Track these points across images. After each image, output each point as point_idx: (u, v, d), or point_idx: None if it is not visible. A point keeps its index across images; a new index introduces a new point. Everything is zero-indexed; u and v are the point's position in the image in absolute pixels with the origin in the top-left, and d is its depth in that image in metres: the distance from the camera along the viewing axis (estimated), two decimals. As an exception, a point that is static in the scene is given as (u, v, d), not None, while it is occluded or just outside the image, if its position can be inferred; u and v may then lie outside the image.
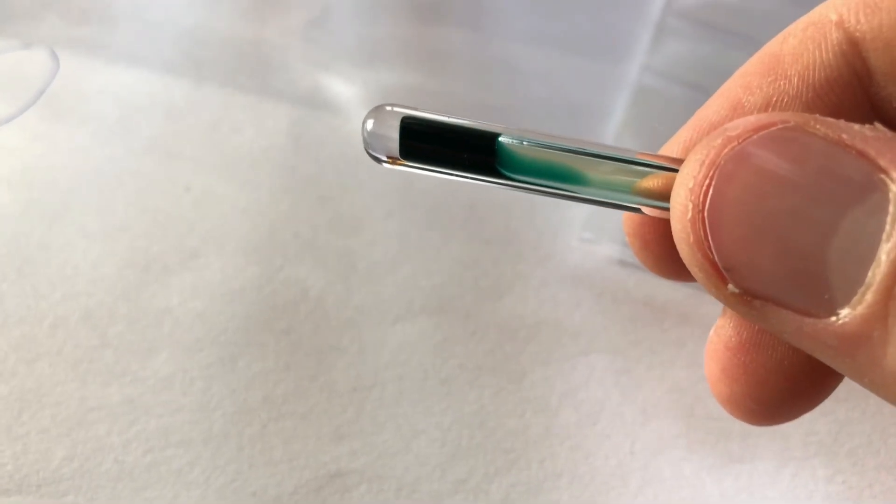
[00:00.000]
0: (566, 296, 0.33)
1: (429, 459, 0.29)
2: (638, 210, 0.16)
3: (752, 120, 0.14)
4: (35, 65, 0.37)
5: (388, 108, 0.16)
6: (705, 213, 0.14)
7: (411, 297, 0.32)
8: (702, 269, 0.14)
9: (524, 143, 0.16)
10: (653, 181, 0.15)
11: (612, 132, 0.37)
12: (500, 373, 0.31)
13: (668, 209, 0.15)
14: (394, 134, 0.16)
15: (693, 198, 0.14)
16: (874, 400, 0.31)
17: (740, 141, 0.13)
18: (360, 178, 0.35)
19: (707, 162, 0.14)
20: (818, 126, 0.13)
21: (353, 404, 0.30)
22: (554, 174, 0.16)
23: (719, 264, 0.14)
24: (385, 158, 0.16)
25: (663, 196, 0.15)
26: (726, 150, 0.13)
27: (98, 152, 0.36)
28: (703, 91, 0.38)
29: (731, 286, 0.14)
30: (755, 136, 0.13)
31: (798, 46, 0.16)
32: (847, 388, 0.31)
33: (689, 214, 0.14)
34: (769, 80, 0.16)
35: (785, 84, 0.16)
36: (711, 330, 0.18)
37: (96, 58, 0.39)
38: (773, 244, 0.13)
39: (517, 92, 0.38)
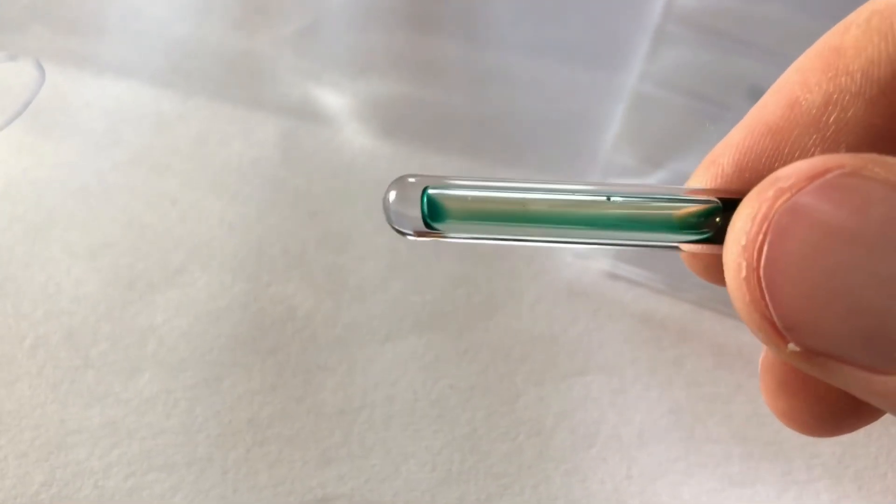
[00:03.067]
0: (561, 313, 0.32)
1: (419, 484, 0.28)
2: (675, 248, 0.15)
3: (804, 167, 0.13)
4: (20, 76, 0.37)
5: (411, 179, 0.15)
6: (761, 272, 0.13)
7: (402, 314, 0.32)
8: (760, 329, 0.13)
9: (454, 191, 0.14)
10: (691, 212, 0.14)
11: (610, 142, 0.36)
12: (493, 393, 0.30)
13: (711, 244, 0.14)
14: (416, 210, 0.15)
15: (747, 255, 0.13)
16: (880, 421, 0.30)
17: (794, 192, 0.12)
18: (350, 192, 0.34)
19: (759, 217, 0.13)
20: (877, 169, 0.12)
21: (340, 427, 0.29)
22: (510, 218, 0.15)
23: (778, 324, 0.13)
24: (412, 233, 0.15)
25: (704, 230, 0.14)
26: (779, 202, 0.13)
27: (84, 166, 0.35)
28: (703, 99, 0.37)
29: (791, 345, 0.13)
30: (809, 186, 0.12)
31: (861, 38, 0.15)
32: (852, 409, 0.30)
33: (744, 273, 0.13)
34: (829, 76, 0.15)
35: (847, 81, 0.15)
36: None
37: (83, 69, 0.38)
38: (837, 303, 0.12)
39: (512, 102, 0.38)
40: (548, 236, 0.15)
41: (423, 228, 0.15)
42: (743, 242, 0.13)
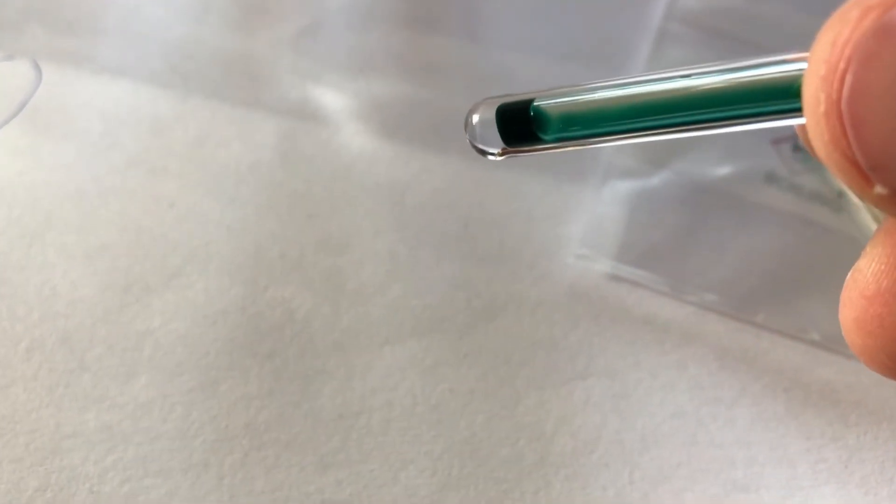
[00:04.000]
0: (562, 316, 0.31)
1: (418, 490, 0.28)
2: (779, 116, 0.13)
3: None
4: (17, 77, 0.36)
5: (489, 100, 0.16)
6: (843, 106, 0.11)
7: (401, 318, 0.31)
8: (841, 170, 0.12)
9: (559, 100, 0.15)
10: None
11: (612, 144, 0.36)
12: (493, 398, 0.30)
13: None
14: (493, 126, 0.16)
15: (826, 87, 0.11)
16: (887, 425, 0.30)
17: (883, 10, 0.11)
18: (350, 194, 0.34)
19: (841, 42, 0.11)
20: None
21: (338, 432, 0.29)
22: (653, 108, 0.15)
23: (862, 164, 0.11)
24: (496, 152, 0.16)
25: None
26: (865, 23, 0.11)
27: (81, 168, 0.35)
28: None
29: (878, 187, 0.11)
30: None
31: None
32: (858, 413, 0.30)
33: (823, 107, 0.11)
34: None
35: None
36: (849, 272, 0.15)
37: (80, 69, 0.37)
38: None
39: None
40: (659, 127, 0.15)
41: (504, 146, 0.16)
42: (822, 73, 0.11)
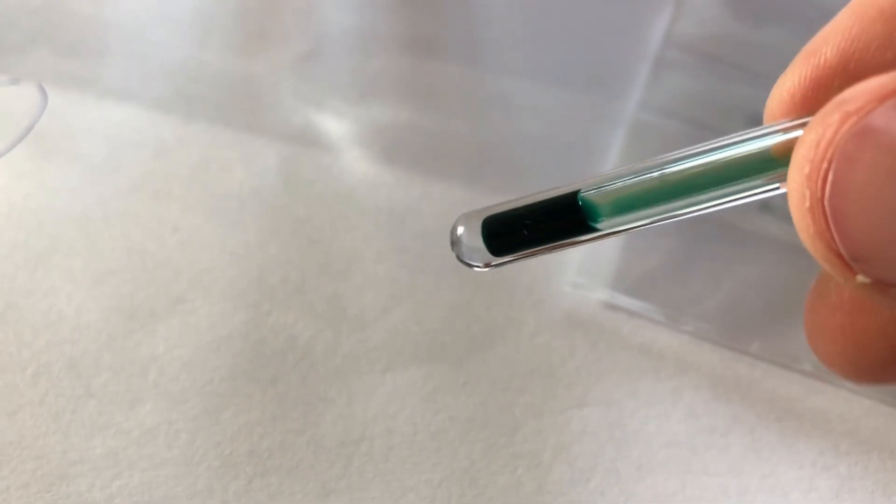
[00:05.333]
0: (560, 344, 0.32)
1: (417, 517, 0.29)
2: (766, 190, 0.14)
3: (873, 87, 0.12)
4: (23, 100, 0.37)
5: (471, 214, 0.16)
6: (825, 202, 0.12)
7: (402, 344, 0.32)
8: (826, 261, 0.13)
9: (606, 187, 0.15)
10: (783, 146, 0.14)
11: (610, 168, 0.36)
12: (492, 426, 0.30)
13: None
14: (479, 241, 0.16)
15: (811, 185, 0.12)
16: (877, 454, 0.30)
17: (861, 115, 0.12)
18: (351, 219, 0.34)
19: (823, 144, 0.12)
20: None
21: (340, 459, 0.29)
22: (655, 198, 0.15)
23: (845, 255, 0.12)
24: (481, 265, 0.16)
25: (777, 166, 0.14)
26: (845, 127, 0.12)
27: (86, 192, 0.35)
28: (703, 127, 0.37)
29: (860, 277, 0.12)
30: (879, 108, 0.12)
31: None
32: (849, 443, 0.30)
33: (808, 203, 0.12)
34: None
35: None
36: (813, 282, 0.16)
37: (85, 93, 0.38)
38: None
39: (512, 128, 0.38)
40: (694, 203, 0.15)
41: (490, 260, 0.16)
42: (806, 171, 0.12)
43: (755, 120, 0.36)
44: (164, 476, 0.29)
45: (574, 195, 0.16)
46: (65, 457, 0.29)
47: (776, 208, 0.34)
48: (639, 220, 0.16)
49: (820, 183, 0.12)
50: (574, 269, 0.33)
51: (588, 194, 0.16)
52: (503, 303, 0.33)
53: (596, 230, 0.16)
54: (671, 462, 0.30)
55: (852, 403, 0.31)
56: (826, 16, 0.16)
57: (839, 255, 0.12)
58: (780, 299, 0.33)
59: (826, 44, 0.15)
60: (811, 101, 0.15)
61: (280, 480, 0.29)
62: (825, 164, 0.12)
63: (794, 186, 0.12)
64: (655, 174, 0.15)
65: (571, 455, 0.30)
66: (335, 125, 0.37)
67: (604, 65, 0.39)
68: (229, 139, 0.37)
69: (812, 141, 0.12)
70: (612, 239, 0.34)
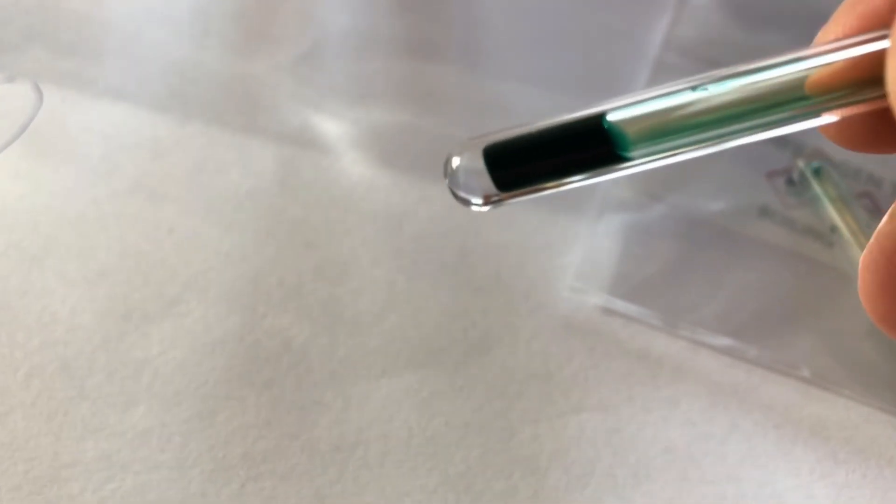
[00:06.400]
0: (557, 349, 0.32)
1: (412, 523, 0.28)
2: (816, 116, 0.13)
3: None
4: (18, 99, 0.36)
5: (471, 140, 0.14)
6: None
7: (398, 349, 0.32)
8: None
9: (635, 111, 0.13)
10: (831, 75, 0.12)
11: (609, 175, 0.36)
12: (488, 431, 0.30)
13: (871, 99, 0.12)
14: (481, 169, 0.14)
15: None
16: (875, 462, 0.30)
17: None
18: (348, 222, 0.34)
19: None
20: None
21: (335, 464, 0.29)
22: (692, 126, 0.13)
23: None
24: (478, 201, 0.14)
25: (855, 87, 0.12)
26: None
27: (81, 193, 0.35)
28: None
29: None
30: None
31: None
32: (847, 450, 0.30)
33: None
34: None
35: None
36: (872, 237, 0.15)
37: (81, 92, 0.38)
38: None
39: (511, 132, 0.37)
40: (727, 134, 0.13)
41: (494, 192, 0.14)
42: None
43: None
44: (157, 479, 0.29)
45: (598, 119, 0.14)
46: (57, 459, 0.29)
47: (775, 213, 0.34)
48: (672, 150, 0.14)
49: None
50: (572, 272, 0.33)
51: (615, 118, 0.14)
52: (500, 307, 0.33)
53: (625, 159, 0.14)
54: (668, 469, 0.30)
55: (851, 411, 0.31)
56: (826, 20, 0.16)
57: None
58: (779, 305, 0.33)
59: None
60: None
61: (274, 485, 0.29)
62: None
63: None
64: (694, 95, 0.13)
65: (568, 461, 0.29)
66: (333, 127, 0.37)
67: (604, 69, 0.39)
68: (226, 140, 0.36)
69: None
70: (611, 243, 0.34)
